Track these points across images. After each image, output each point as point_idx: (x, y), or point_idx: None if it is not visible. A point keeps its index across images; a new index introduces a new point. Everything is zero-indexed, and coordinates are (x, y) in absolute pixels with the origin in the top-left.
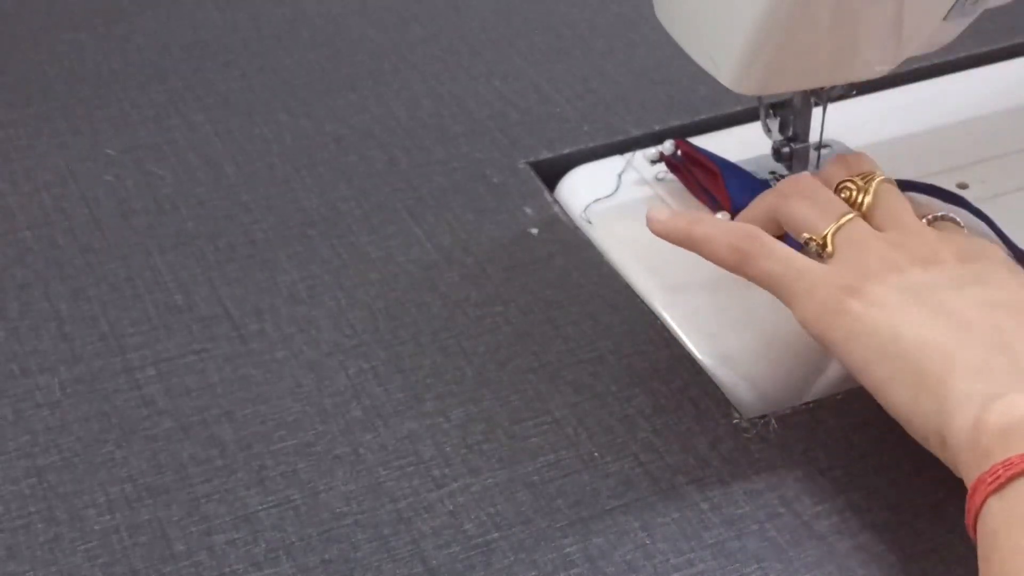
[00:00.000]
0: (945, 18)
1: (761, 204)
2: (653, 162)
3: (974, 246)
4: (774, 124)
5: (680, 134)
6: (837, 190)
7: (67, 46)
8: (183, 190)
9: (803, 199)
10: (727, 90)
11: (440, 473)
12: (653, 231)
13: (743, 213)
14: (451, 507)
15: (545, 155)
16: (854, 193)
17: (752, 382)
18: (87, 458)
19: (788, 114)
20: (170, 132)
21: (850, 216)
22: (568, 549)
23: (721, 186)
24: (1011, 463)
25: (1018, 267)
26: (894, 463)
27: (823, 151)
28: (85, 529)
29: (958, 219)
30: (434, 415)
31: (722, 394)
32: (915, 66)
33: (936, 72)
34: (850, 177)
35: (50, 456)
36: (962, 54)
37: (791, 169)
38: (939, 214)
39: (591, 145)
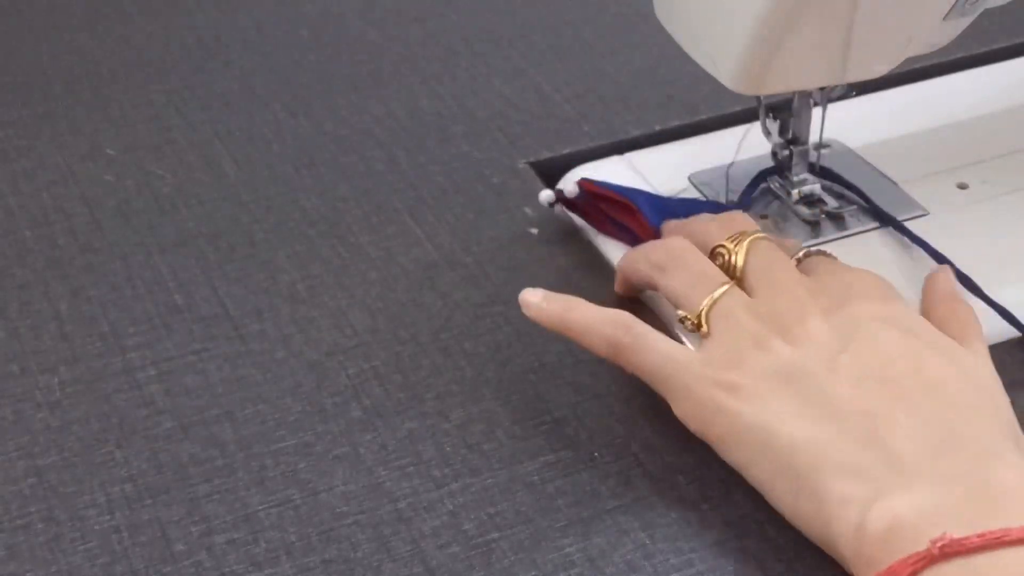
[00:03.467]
0: (945, 18)
1: (640, 273)
2: (550, 204)
3: (842, 288)
4: (774, 126)
5: (680, 134)
6: (712, 255)
7: (67, 46)
8: (183, 190)
9: (678, 271)
10: (727, 90)
11: (440, 473)
12: (527, 315)
13: (622, 272)
14: (451, 507)
15: (545, 155)
16: (727, 257)
17: None
18: (87, 458)
19: (787, 115)
20: (170, 132)
21: (724, 289)
22: (568, 549)
23: (638, 218)
24: (894, 571)
25: (890, 289)
26: None
27: (823, 151)
28: (85, 529)
29: (826, 251)
30: (434, 415)
31: None
32: (915, 66)
33: (936, 72)
34: (722, 240)
35: (50, 456)
36: (962, 54)
37: (791, 170)
38: (810, 249)
39: (591, 145)
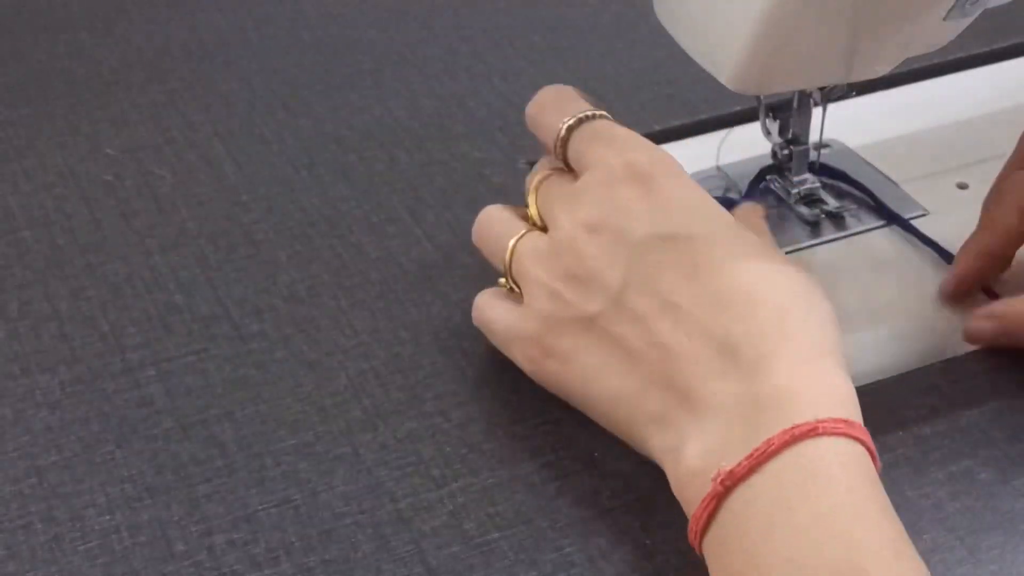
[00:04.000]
0: (945, 18)
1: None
2: None
3: (604, 190)
4: (774, 126)
5: (680, 134)
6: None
7: (67, 46)
8: (183, 190)
9: (482, 236)
10: (727, 90)
11: (440, 473)
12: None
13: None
14: (451, 507)
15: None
16: (530, 207)
17: None
18: (87, 458)
19: (787, 115)
20: (170, 132)
21: (511, 243)
22: (568, 549)
23: None
24: (695, 518)
25: (660, 167)
26: (893, 463)
27: (823, 151)
28: (85, 529)
29: (596, 113)
30: (434, 415)
31: None
32: (915, 66)
33: (936, 72)
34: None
35: (50, 456)
36: (962, 54)
37: (791, 171)
38: (582, 115)
39: None
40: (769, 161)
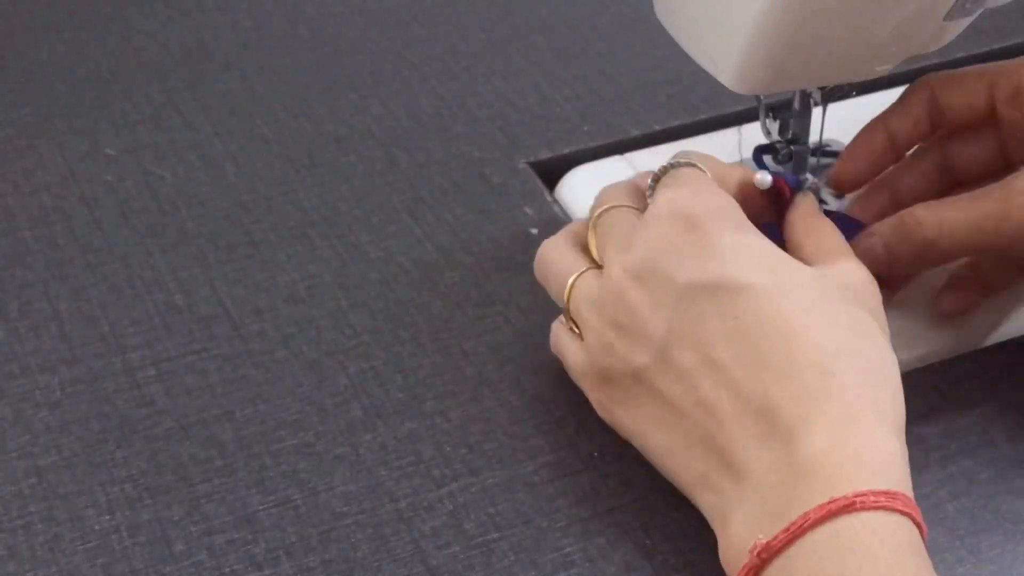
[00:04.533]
0: (945, 18)
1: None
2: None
3: (652, 235)
4: (774, 126)
5: (680, 134)
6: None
7: (67, 46)
8: (183, 190)
9: (542, 272)
10: (727, 90)
11: (440, 473)
12: None
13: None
14: (451, 507)
15: (545, 155)
16: (589, 237)
17: None
18: (87, 458)
19: (787, 115)
20: (170, 132)
21: (570, 282)
22: (568, 549)
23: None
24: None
25: (707, 211)
26: None
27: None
28: (85, 529)
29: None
30: (434, 415)
31: None
32: (915, 66)
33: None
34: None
35: (50, 456)
36: (962, 54)
37: (792, 171)
38: (676, 161)
39: (591, 145)
40: (768, 160)
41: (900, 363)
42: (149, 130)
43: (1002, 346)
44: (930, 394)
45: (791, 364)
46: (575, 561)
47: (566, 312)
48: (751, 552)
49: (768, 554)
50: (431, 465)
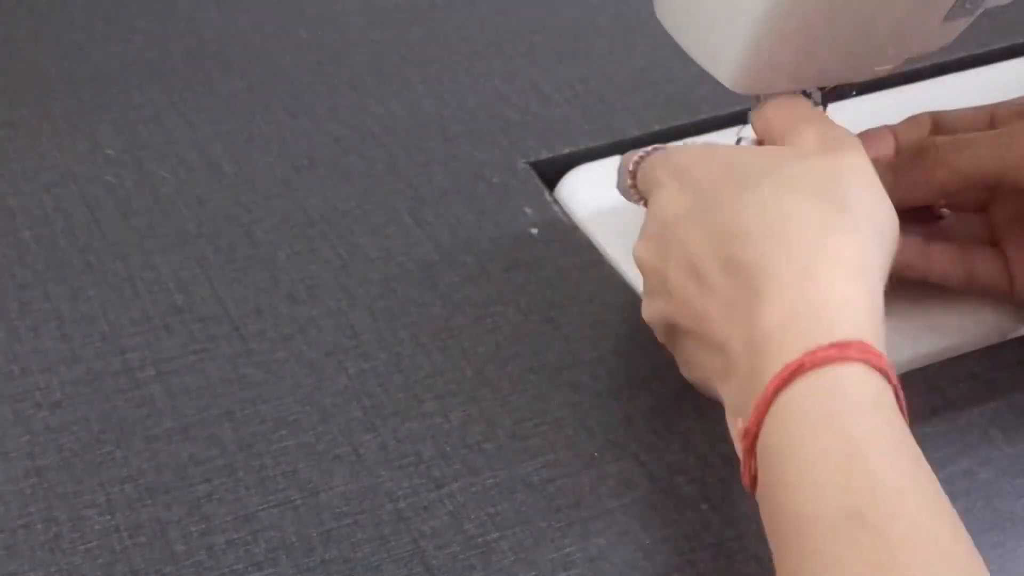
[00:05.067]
0: (945, 18)
1: None
2: None
3: (653, 199)
4: None
5: (680, 134)
6: None
7: (67, 46)
8: (183, 190)
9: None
10: (727, 90)
11: (440, 473)
12: None
13: None
14: (451, 507)
15: (545, 155)
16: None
17: None
18: (87, 458)
19: None
20: (170, 132)
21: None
22: (568, 549)
23: None
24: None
25: (685, 159)
26: None
27: None
28: (85, 529)
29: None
30: (434, 415)
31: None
32: (915, 66)
33: (936, 72)
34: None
35: (50, 456)
36: (962, 54)
37: None
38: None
39: (591, 145)
40: None
41: (900, 363)
42: (149, 130)
43: (1002, 346)
44: (930, 394)
45: (753, 232)
46: (575, 561)
47: None
48: (740, 441)
49: (750, 439)
50: (431, 465)
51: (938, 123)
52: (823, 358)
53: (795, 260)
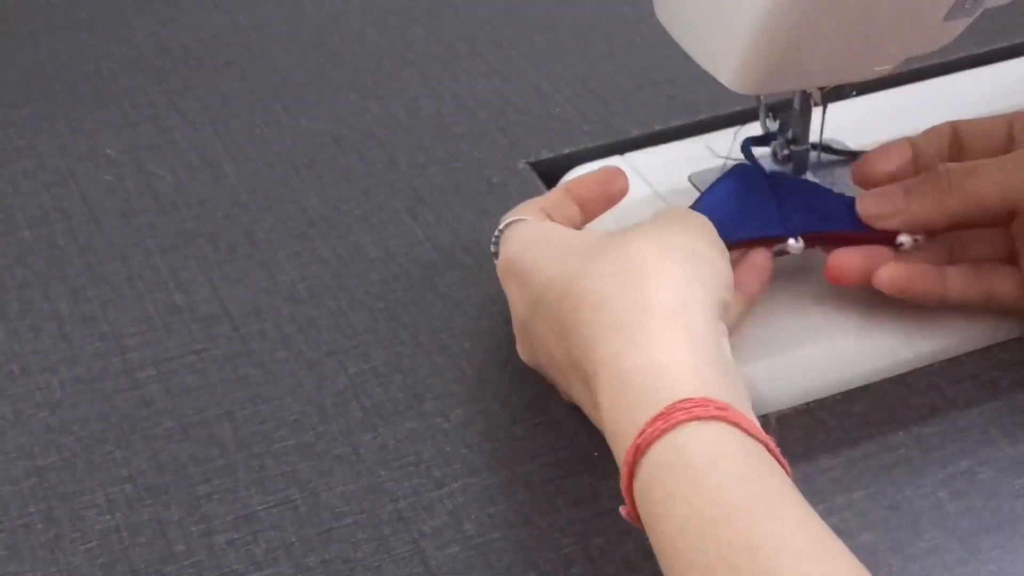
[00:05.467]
0: (945, 18)
1: None
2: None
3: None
4: (774, 126)
5: (680, 134)
6: None
7: (67, 46)
8: (183, 190)
9: None
10: (727, 90)
11: (440, 473)
12: None
13: None
14: (451, 507)
15: (545, 155)
16: None
17: (751, 382)
18: (87, 458)
19: (787, 115)
20: (170, 132)
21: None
22: (568, 549)
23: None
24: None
25: (524, 233)
26: (893, 463)
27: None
28: (85, 529)
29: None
30: (434, 415)
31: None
32: (915, 66)
33: (936, 72)
34: None
35: (50, 456)
36: (962, 54)
37: (793, 172)
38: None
39: (591, 145)
40: (768, 161)
41: (899, 363)
42: (149, 130)
43: (1002, 346)
44: (930, 394)
45: (576, 325)
46: (575, 561)
47: None
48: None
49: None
50: (431, 465)
51: (957, 132)
52: (651, 435)
53: (613, 334)
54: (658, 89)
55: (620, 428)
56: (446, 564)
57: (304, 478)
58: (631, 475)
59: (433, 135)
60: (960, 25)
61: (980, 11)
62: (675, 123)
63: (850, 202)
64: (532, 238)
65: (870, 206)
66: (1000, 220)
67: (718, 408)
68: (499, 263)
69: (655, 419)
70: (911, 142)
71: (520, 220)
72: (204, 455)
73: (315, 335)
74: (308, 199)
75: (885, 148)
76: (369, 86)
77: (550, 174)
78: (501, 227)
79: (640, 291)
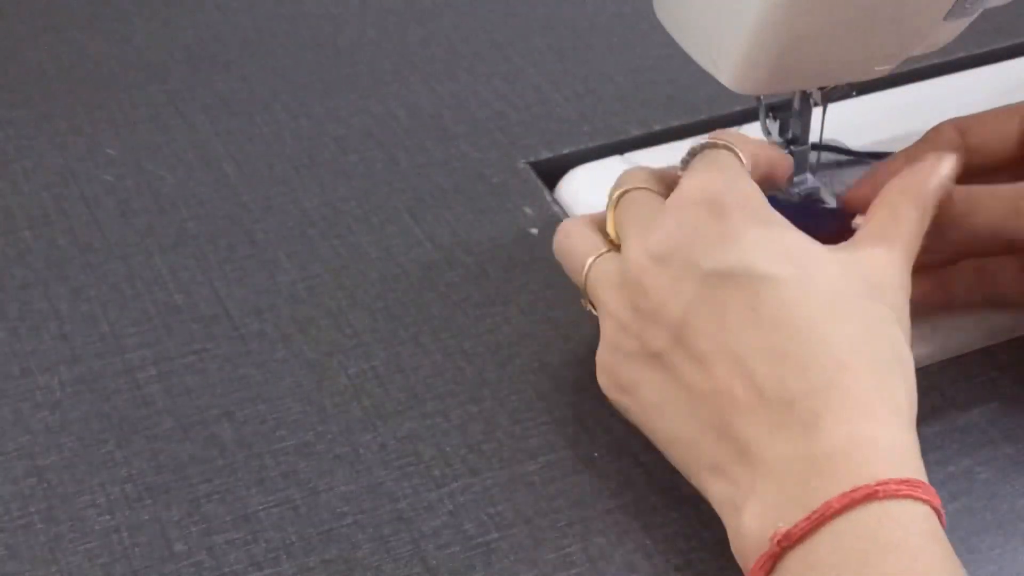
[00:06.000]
0: (945, 18)
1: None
2: None
3: (677, 220)
4: (774, 126)
5: (680, 134)
6: None
7: (67, 46)
8: (183, 190)
9: (562, 253)
10: (727, 90)
11: (440, 473)
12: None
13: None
14: (451, 507)
15: (545, 155)
16: (608, 218)
17: None
18: (87, 458)
19: (787, 115)
20: (170, 132)
21: (587, 265)
22: (568, 549)
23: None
24: (752, 574)
25: (733, 193)
26: None
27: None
28: (85, 529)
29: (718, 142)
30: (434, 415)
31: None
32: (915, 66)
33: (936, 72)
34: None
35: (50, 456)
36: (962, 54)
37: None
38: (712, 141)
39: (591, 145)
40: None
41: None
42: (149, 130)
43: (1002, 346)
44: (930, 394)
45: (808, 357)
46: (575, 561)
47: (583, 292)
48: (771, 540)
49: (788, 542)
50: (431, 465)
51: (964, 132)
52: (895, 491)
53: (853, 394)
54: (658, 89)
55: (848, 468)
56: (446, 564)
57: (304, 478)
58: (843, 509)
59: (433, 135)
60: (960, 25)
61: (980, 11)
62: (675, 123)
63: (834, 212)
64: (765, 205)
65: None
66: (1003, 250)
67: (915, 487)
68: (686, 193)
69: (906, 482)
70: (909, 160)
71: (732, 151)
72: (204, 455)
73: (315, 335)
74: (308, 199)
75: (877, 172)
76: (369, 86)
77: (550, 174)
78: (698, 145)
79: (878, 371)
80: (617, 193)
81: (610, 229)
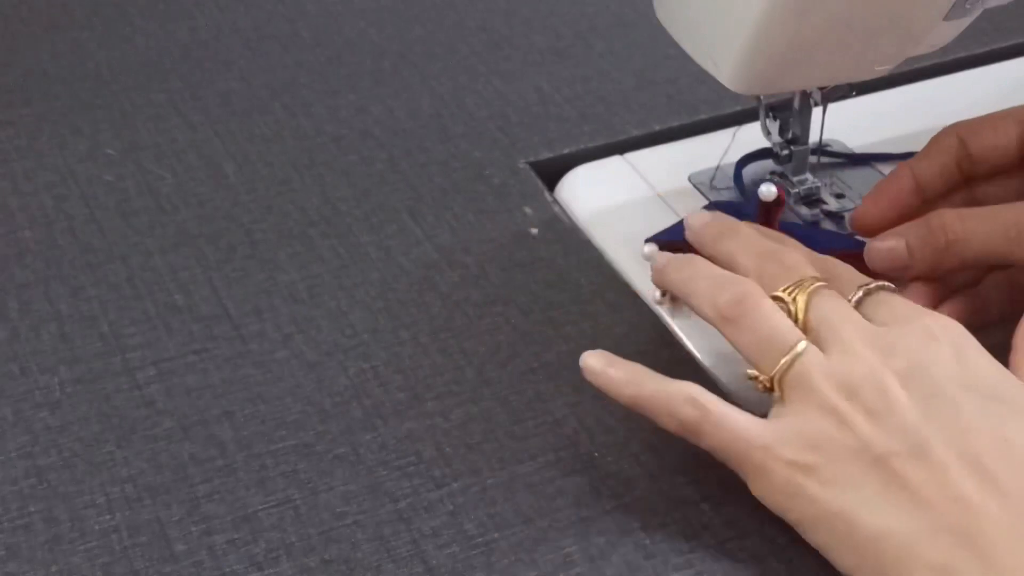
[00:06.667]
0: (945, 18)
1: (702, 314)
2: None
3: (915, 343)
4: (774, 126)
5: (680, 134)
6: (774, 299)
7: (67, 46)
8: (183, 190)
9: (748, 326)
10: (727, 90)
11: (440, 473)
12: (591, 381)
13: (678, 291)
14: (451, 507)
15: (545, 155)
16: (788, 306)
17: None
18: (87, 458)
19: (787, 115)
20: (170, 132)
21: (799, 350)
22: (568, 549)
23: None
24: None
25: (960, 333)
26: None
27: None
28: (85, 529)
29: (885, 283)
30: (434, 415)
31: (722, 393)
32: (915, 66)
33: (936, 72)
34: (778, 291)
35: (50, 456)
36: (962, 54)
37: (792, 172)
38: (870, 285)
39: (591, 145)
40: (768, 159)
41: None
42: (149, 130)
43: (1002, 346)
44: None
45: None
46: (575, 561)
47: (776, 373)
48: None
49: None
50: (431, 465)
51: (965, 143)
52: None
53: None
54: (658, 89)
55: None
56: (446, 564)
57: (304, 478)
58: None
59: (433, 135)
60: (960, 25)
61: (980, 11)
62: (675, 123)
63: (841, 236)
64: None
65: (878, 264)
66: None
67: None
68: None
69: None
70: (913, 172)
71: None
72: (204, 455)
73: (315, 335)
74: (308, 199)
75: (880, 189)
76: (369, 86)
77: (550, 174)
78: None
79: None
80: (810, 286)
81: (801, 312)
